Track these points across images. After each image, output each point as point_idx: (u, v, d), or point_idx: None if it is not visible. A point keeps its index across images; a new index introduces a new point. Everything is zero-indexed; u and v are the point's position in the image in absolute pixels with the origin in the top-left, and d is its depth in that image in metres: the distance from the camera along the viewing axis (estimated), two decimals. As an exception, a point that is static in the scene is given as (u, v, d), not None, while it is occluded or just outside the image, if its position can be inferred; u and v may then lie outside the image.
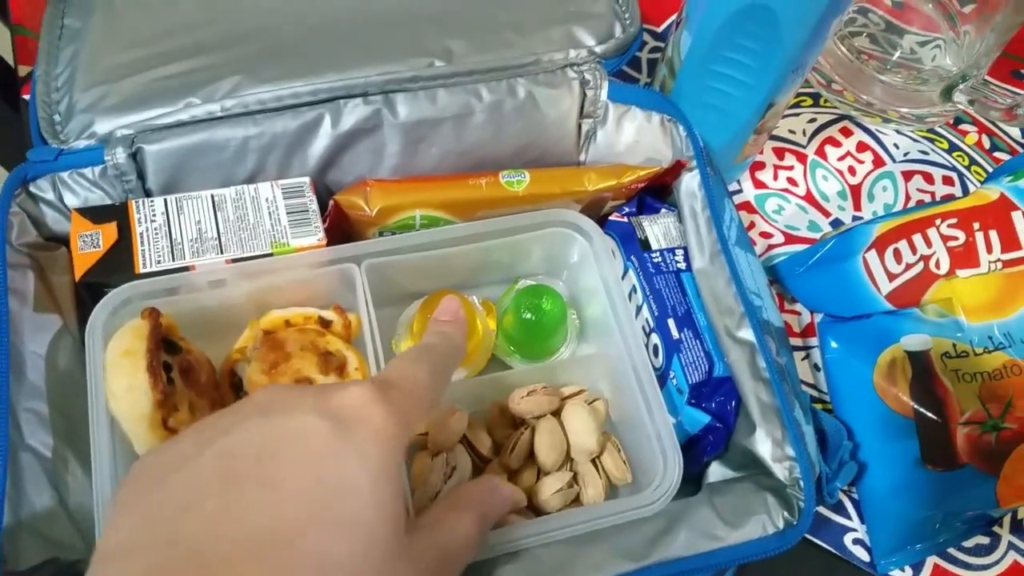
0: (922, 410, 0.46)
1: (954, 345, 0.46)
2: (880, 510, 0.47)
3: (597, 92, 0.50)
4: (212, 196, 0.45)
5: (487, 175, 0.47)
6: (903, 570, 0.47)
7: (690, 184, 0.48)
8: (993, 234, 0.48)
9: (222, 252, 0.43)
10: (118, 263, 0.42)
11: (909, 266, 0.48)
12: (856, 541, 0.47)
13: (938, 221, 0.49)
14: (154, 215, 0.44)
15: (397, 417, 0.29)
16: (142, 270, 0.42)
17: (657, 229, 0.49)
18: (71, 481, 0.41)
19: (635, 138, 0.50)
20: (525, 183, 0.47)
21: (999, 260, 0.48)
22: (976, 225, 0.48)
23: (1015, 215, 0.49)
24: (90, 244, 0.42)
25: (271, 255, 0.43)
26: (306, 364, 0.42)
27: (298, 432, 0.27)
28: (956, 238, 0.48)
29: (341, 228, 0.47)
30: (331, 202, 0.46)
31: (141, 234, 0.43)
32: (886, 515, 0.46)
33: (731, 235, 0.47)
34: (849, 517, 0.48)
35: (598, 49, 0.50)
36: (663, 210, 0.50)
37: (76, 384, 0.41)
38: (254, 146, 0.45)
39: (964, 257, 0.48)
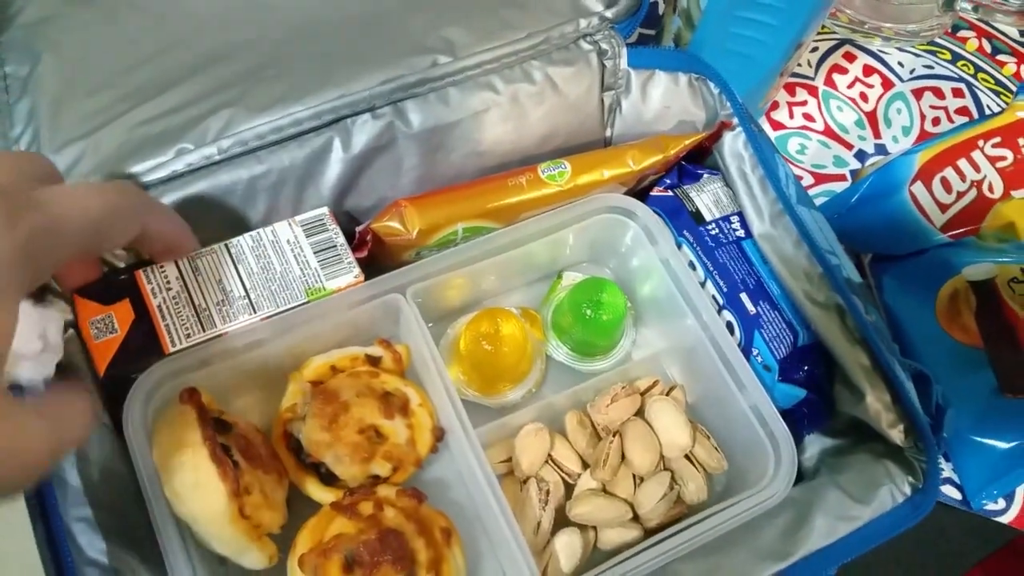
0: (992, 340, 0.44)
1: (1022, 270, 0.45)
2: (965, 446, 0.46)
3: (616, 61, 0.45)
4: (228, 248, 0.39)
5: (526, 171, 0.42)
6: (996, 502, 0.46)
7: (734, 144, 0.45)
8: (1040, 146, 0.47)
9: (255, 311, 0.38)
10: (143, 347, 0.37)
11: (960, 194, 0.46)
12: (945, 480, 0.46)
13: (981, 142, 0.47)
14: (168, 283, 0.38)
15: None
16: (172, 349, 0.37)
17: (706, 198, 0.45)
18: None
19: (663, 104, 0.46)
20: (567, 174, 0.42)
21: (1052, 173, 0.46)
22: (1022, 141, 0.46)
23: (1056, 123, 0.47)
24: (105, 330, 0.37)
25: (307, 303, 0.38)
26: (367, 410, 0.38)
27: None
28: (1004, 158, 0.46)
29: (371, 254, 0.42)
30: (359, 230, 0.41)
31: (159, 307, 0.37)
32: (972, 450, 0.45)
33: (791, 193, 0.43)
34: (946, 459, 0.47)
35: (608, 13, 0.46)
36: (705, 175, 0.47)
37: (117, 478, 0.36)
38: (262, 186, 0.40)
39: (1017, 176, 0.46)
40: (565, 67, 0.44)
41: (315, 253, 0.40)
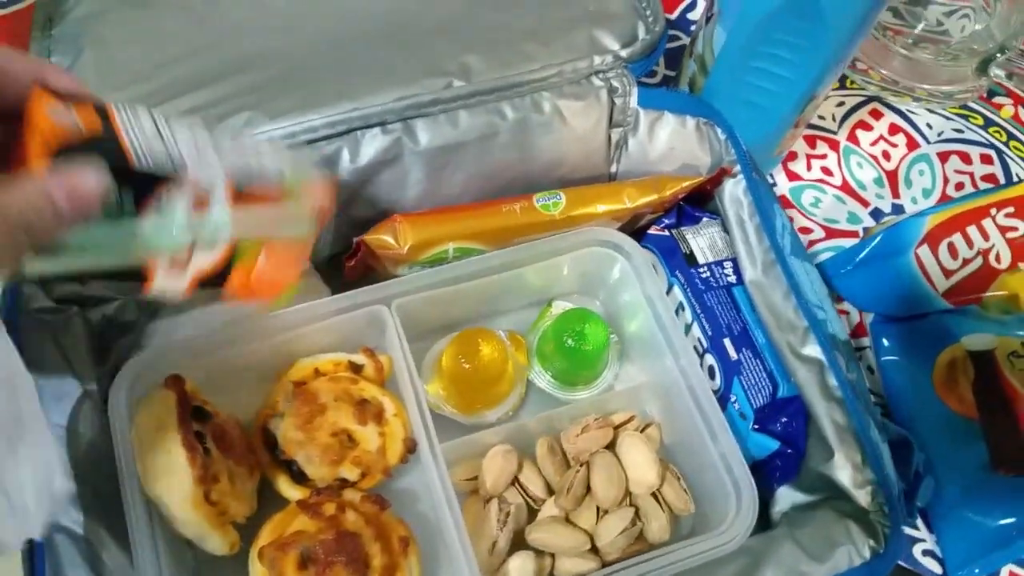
0: (988, 413, 0.43)
1: (1023, 344, 0.44)
2: (950, 519, 0.44)
3: (626, 99, 0.46)
4: (208, 127, 0.34)
5: (521, 199, 0.43)
6: (978, 579, 0.44)
7: (734, 191, 0.45)
8: (1054, 221, 0.46)
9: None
10: (106, 150, 0.30)
11: (967, 261, 0.46)
12: (926, 552, 0.45)
13: (993, 211, 0.46)
14: (139, 121, 0.32)
15: None
16: (139, 162, 0.31)
17: (702, 241, 0.46)
18: (108, 560, 0.38)
19: (669, 145, 0.47)
20: (561, 205, 0.43)
21: (1063, 249, 0.45)
22: (1036, 213, 0.46)
23: (1074, 199, 0.46)
24: (65, 118, 0.30)
25: (280, 185, 0.34)
26: (342, 415, 0.40)
27: None
28: (1015, 228, 0.46)
29: (367, 265, 0.43)
30: (356, 241, 0.42)
31: (127, 132, 0.31)
32: (957, 524, 0.44)
33: (785, 243, 0.44)
34: (917, 527, 0.46)
35: (623, 53, 0.47)
36: (705, 219, 0.47)
37: (102, 454, 0.38)
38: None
39: (1026, 249, 0.45)
40: (575, 100, 0.46)
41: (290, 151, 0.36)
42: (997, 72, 0.55)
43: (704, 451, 0.40)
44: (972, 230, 0.46)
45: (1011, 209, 0.46)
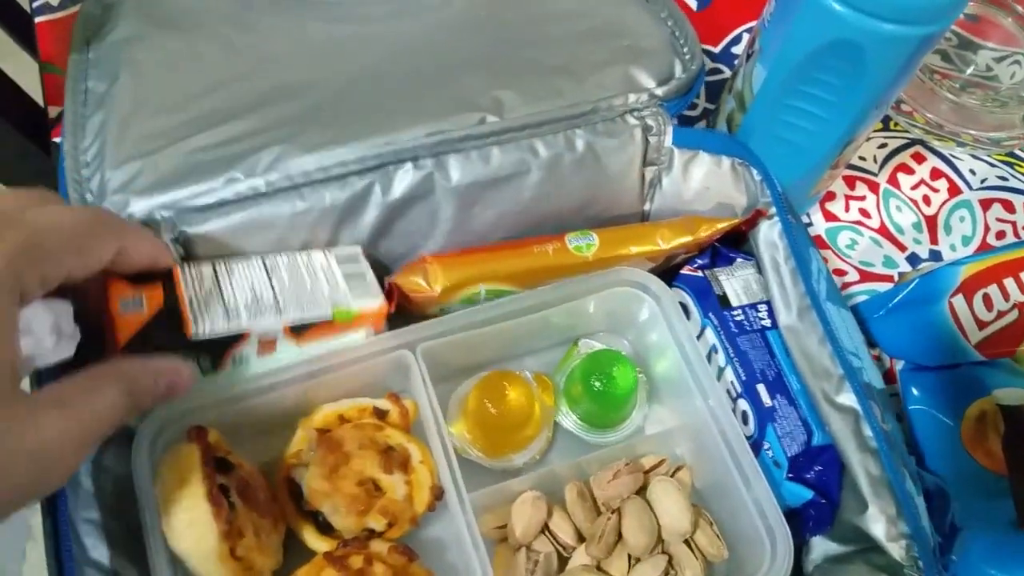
0: (1018, 469, 0.46)
1: (1056, 400, 0.46)
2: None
3: (661, 139, 0.50)
4: (264, 260, 0.44)
5: (553, 240, 0.47)
6: (1007, 642, 0.47)
7: (769, 233, 0.48)
8: (1094, 275, 0.48)
9: (280, 314, 0.42)
10: (167, 328, 0.40)
11: (1001, 314, 0.49)
12: (954, 609, 0.47)
13: (1032, 262, 0.49)
14: (202, 278, 0.43)
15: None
16: (196, 336, 0.40)
17: (736, 283, 0.49)
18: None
19: (704, 184, 0.50)
20: (595, 247, 0.47)
21: (1102, 304, 0.47)
22: (1075, 266, 0.48)
23: (1115, 253, 0.49)
24: (132, 308, 0.40)
25: (332, 321, 0.43)
26: (368, 463, 0.42)
27: None
28: (1054, 281, 0.48)
29: (399, 307, 0.46)
30: (388, 284, 0.45)
31: (190, 298, 0.41)
32: (983, 583, 0.46)
33: (821, 289, 0.47)
34: (950, 584, 0.48)
35: (659, 92, 0.50)
36: (739, 260, 0.50)
37: (130, 488, 0.41)
38: (302, 222, 0.45)
39: (1065, 302, 0.48)
40: (608, 139, 0.49)
41: (344, 277, 0.45)
42: (1041, 118, 0.58)
43: (737, 496, 0.43)
44: (1009, 282, 0.49)
45: (1051, 261, 0.49)
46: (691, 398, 0.45)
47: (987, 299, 0.49)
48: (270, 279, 0.44)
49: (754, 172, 0.49)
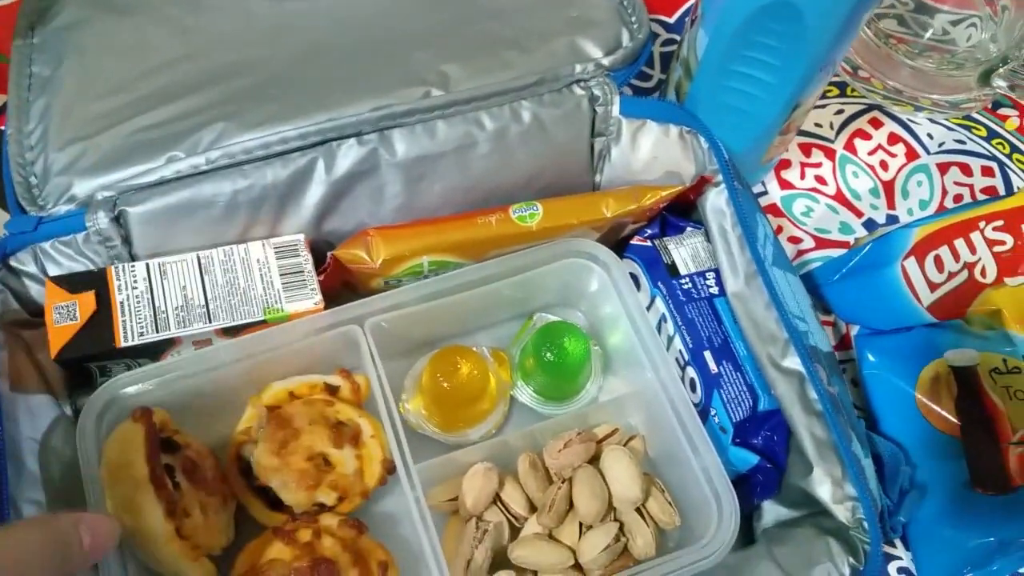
0: (970, 430, 0.47)
1: (1004, 360, 0.47)
2: (927, 537, 0.47)
3: (608, 108, 0.50)
4: (199, 258, 0.45)
5: (497, 211, 0.47)
6: (955, 601, 0.47)
7: (716, 200, 0.49)
8: (1046, 235, 0.49)
9: (210, 321, 0.43)
10: (97, 337, 0.42)
11: (952, 275, 0.49)
12: (901, 571, 0.48)
13: (982, 224, 0.50)
14: (135, 281, 0.44)
15: None
16: (123, 343, 0.42)
17: (684, 252, 0.49)
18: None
19: (652, 154, 0.51)
20: (538, 216, 0.47)
21: (1053, 263, 0.48)
22: (1024, 226, 0.49)
23: (1067, 211, 0.49)
24: (66, 316, 0.42)
25: (264, 321, 0.44)
26: (317, 438, 0.43)
27: None
28: (1003, 242, 0.49)
29: (342, 280, 0.47)
30: (328, 257, 0.46)
31: (122, 303, 0.43)
32: (934, 543, 0.47)
33: (767, 254, 0.47)
34: (893, 544, 0.49)
35: (605, 61, 0.50)
36: (688, 229, 0.51)
37: (77, 470, 0.41)
38: (244, 200, 0.46)
39: (1013, 263, 0.48)
40: (555, 109, 0.49)
41: (281, 275, 0.45)
42: (999, 83, 0.58)
43: (686, 463, 0.44)
44: (960, 243, 0.49)
45: (1000, 222, 0.49)
46: (642, 369, 0.46)
47: (938, 261, 0.50)
48: (203, 280, 0.44)
49: (701, 140, 0.49)
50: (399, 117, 0.47)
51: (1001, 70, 0.57)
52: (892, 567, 0.48)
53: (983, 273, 0.48)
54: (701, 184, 0.49)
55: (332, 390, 0.45)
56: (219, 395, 0.45)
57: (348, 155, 0.46)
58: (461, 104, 0.48)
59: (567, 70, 0.50)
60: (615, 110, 0.50)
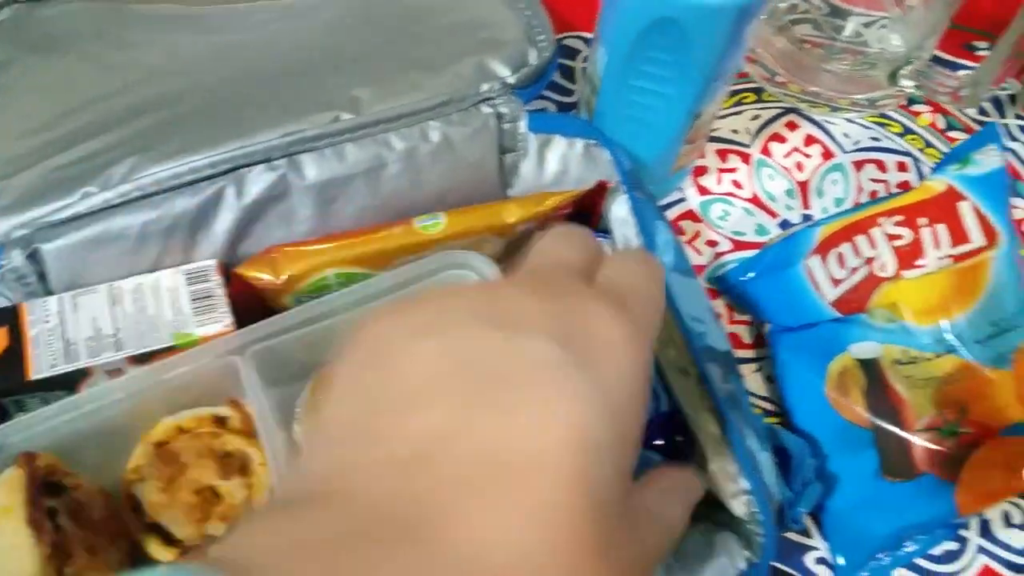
0: (878, 420, 0.48)
1: (904, 351, 0.49)
2: (841, 526, 0.49)
3: (515, 125, 0.52)
4: (111, 289, 0.47)
5: (401, 223, 0.49)
6: (870, 586, 0.49)
7: (619, 211, 0.50)
8: (941, 228, 0.51)
9: (120, 349, 0.45)
10: (9, 372, 0.44)
11: (853, 270, 0.51)
12: (819, 560, 0.50)
13: (882, 220, 0.51)
14: (48, 315, 0.45)
15: (643, 346, 0.28)
16: (34, 376, 0.44)
17: (590, 262, 0.50)
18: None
19: (560, 167, 0.52)
20: (442, 225, 0.49)
21: (948, 256, 0.50)
22: (923, 221, 0.51)
23: (962, 205, 0.51)
24: None
25: (173, 347, 0.45)
26: (204, 472, 0.44)
27: (540, 361, 0.26)
28: (901, 236, 0.50)
29: (249, 300, 0.48)
30: (231, 274, 0.47)
31: (34, 337, 0.45)
32: (848, 531, 0.49)
33: (668, 260, 0.49)
34: (810, 535, 0.50)
35: (512, 79, 0.52)
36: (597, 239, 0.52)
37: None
38: (154, 230, 0.47)
39: (910, 256, 0.50)
40: (463, 127, 0.51)
41: (192, 300, 0.47)
42: (906, 82, 0.60)
43: None
44: (861, 239, 0.51)
45: (900, 218, 0.51)
46: None
47: (840, 257, 0.51)
48: (113, 311, 0.46)
49: (605, 152, 0.51)
50: (308, 142, 0.49)
51: (905, 70, 0.59)
52: (810, 558, 0.50)
53: (882, 267, 0.50)
54: (601, 189, 0.50)
55: (221, 421, 0.46)
56: (113, 435, 0.45)
57: (257, 181, 0.48)
58: (370, 127, 0.50)
59: (474, 89, 0.52)
60: (522, 126, 0.52)
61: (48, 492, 0.42)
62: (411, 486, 0.24)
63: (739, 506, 0.43)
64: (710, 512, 0.45)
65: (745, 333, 0.56)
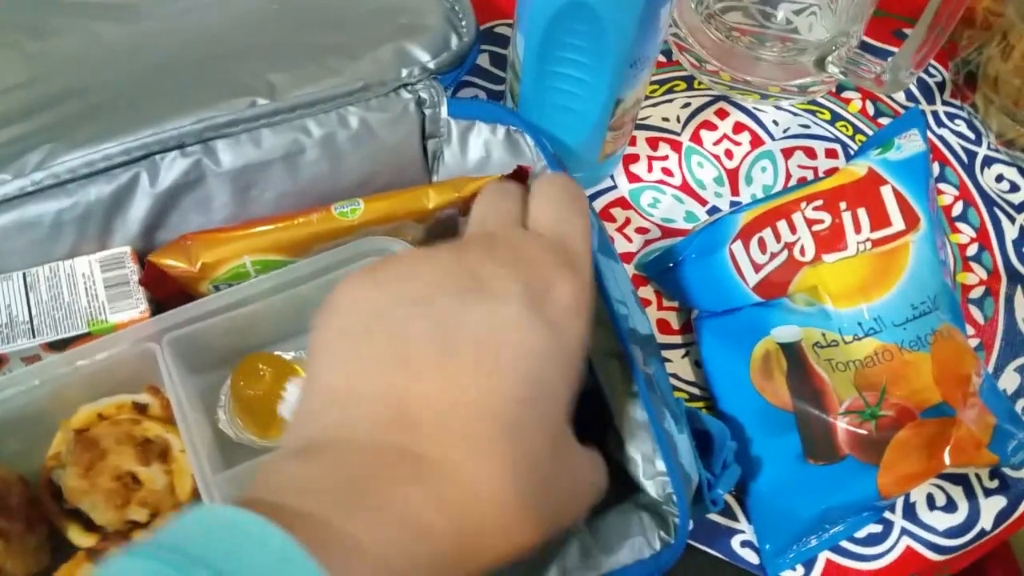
0: (800, 403, 0.49)
1: (823, 334, 0.49)
2: (766, 509, 0.49)
3: (437, 110, 0.52)
4: (24, 276, 0.46)
5: (319, 210, 0.49)
6: (794, 569, 0.49)
7: (542, 196, 0.50)
8: (862, 212, 0.51)
9: (35, 336, 0.44)
10: None
11: (774, 255, 0.51)
12: (745, 543, 0.50)
13: (803, 204, 0.51)
14: None
15: (588, 299, 0.35)
16: None
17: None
18: None
19: (483, 153, 0.52)
20: (360, 211, 0.48)
21: (868, 240, 0.50)
22: (843, 205, 0.51)
23: (884, 190, 0.51)
24: None
25: (88, 334, 0.45)
26: (124, 458, 0.44)
27: (513, 326, 0.31)
28: (822, 221, 0.51)
29: (166, 288, 0.48)
30: (145, 262, 0.47)
31: None
32: (773, 514, 0.49)
33: (592, 242, 0.49)
34: (736, 519, 0.51)
35: (431, 64, 0.52)
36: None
37: None
38: (69, 218, 0.47)
39: (830, 240, 0.50)
40: (382, 113, 0.51)
41: (106, 287, 0.46)
42: (832, 69, 0.60)
43: None
44: (782, 224, 0.51)
45: (820, 202, 0.51)
46: None
47: (761, 243, 0.51)
48: (28, 297, 0.45)
49: (528, 138, 0.51)
50: (223, 128, 0.48)
51: (831, 56, 0.60)
52: (736, 541, 0.50)
53: (802, 252, 0.50)
54: (521, 173, 0.50)
55: (140, 408, 0.46)
56: (32, 420, 0.45)
57: (172, 168, 0.48)
58: (286, 112, 0.49)
59: (394, 74, 0.51)
60: (443, 112, 0.52)
61: None
62: (401, 438, 0.29)
63: (654, 487, 0.44)
64: (629, 494, 0.45)
65: (674, 319, 0.57)
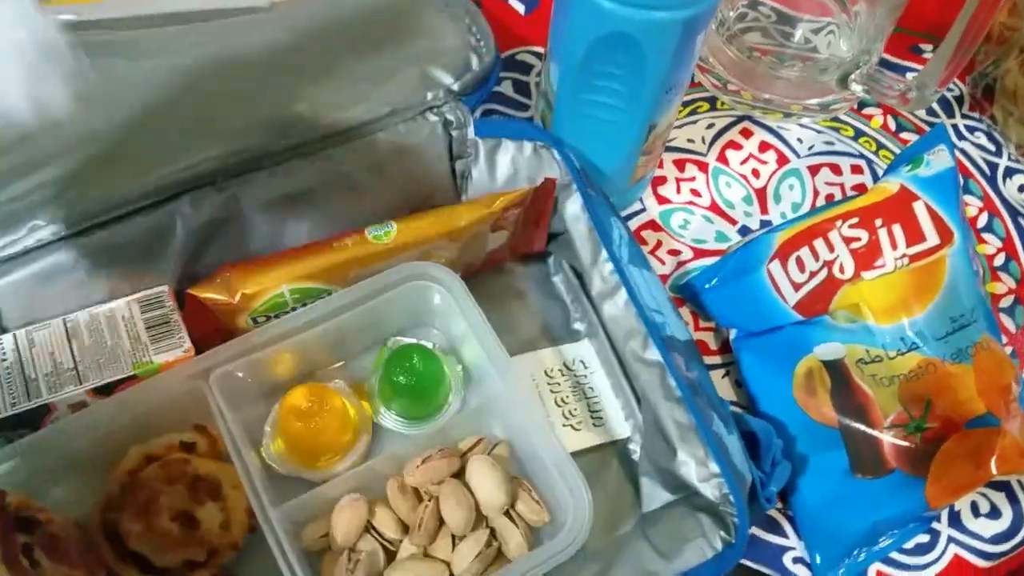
0: (846, 419, 0.49)
1: (867, 351, 0.49)
2: (816, 525, 0.49)
3: (464, 131, 0.52)
4: (65, 323, 0.46)
5: (352, 234, 0.49)
6: (846, 583, 0.49)
7: (572, 207, 0.52)
8: (897, 229, 0.51)
9: (81, 382, 0.44)
10: None
11: (813, 274, 0.51)
12: (796, 560, 0.50)
13: (839, 223, 0.52)
14: (4, 353, 0.45)
15: None
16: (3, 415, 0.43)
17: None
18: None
19: (511, 170, 0.53)
20: (393, 233, 0.49)
21: (905, 256, 0.50)
22: (878, 222, 0.51)
23: (916, 205, 0.51)
24: None
25: (135, 376, 0.44)
26: (178, 498, 0.44)
27: None
28: (859, 239, 0.51)
29: (205, 321, 0.47)
30: (186, 295, 0.47)
31: None
32: (822, 529, 0.49)
33: (623, 254, 0.50)
34: (786, 536, 0.51)
35: (455, 86, 0.52)
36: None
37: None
38: (104, 261, 0.46)
39: (868, 257, 0.50)
40: (411, 138, 0.51)
41: (147, 328, 0.46)
42: (855, 87, 0.61)
43: (542, 462, 0.45)
44: (819, 243, 0.51)
45: (856, 220, 0.51)
46: (493, 379, 0.47)
47: (799, 262, 0.52)
48: (70, 344, 0.45)
49: (555, 152, 0.51)
50: (255, 161, 0.48)
51: (854, 74, 0.60)
52: (787, 557, 0.50)
53: (841, 270, 0.50)
54: (549, 186, 0.51)
55: (188, 447, 0.46)
56: (84, 466, 0.45)
57: (206, 204, 0.47)
58: (315, 142, 0.49)
59: (419, 98, 0.51)
60: (470, 132, 0.52)
61: (21, 528, 0.41)
62: None
63: (710, 489, 0.44)
64: (687, 498, 0.45)
65: (711, 340, 0.57)
